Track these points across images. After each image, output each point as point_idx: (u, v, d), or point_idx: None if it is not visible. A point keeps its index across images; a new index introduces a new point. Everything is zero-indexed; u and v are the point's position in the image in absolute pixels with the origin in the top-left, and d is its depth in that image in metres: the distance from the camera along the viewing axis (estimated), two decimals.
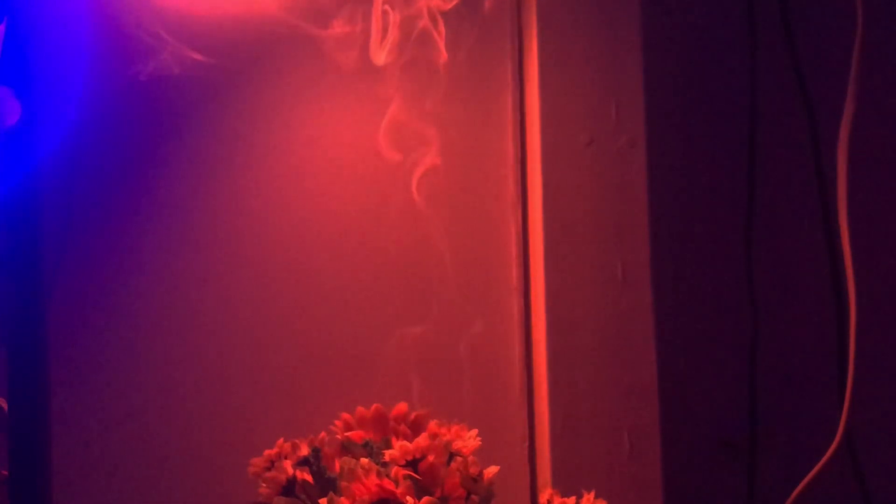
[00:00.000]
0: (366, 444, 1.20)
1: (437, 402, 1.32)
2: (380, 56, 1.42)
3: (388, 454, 1.15)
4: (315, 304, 1.43)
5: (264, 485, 1.19)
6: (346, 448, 1.21)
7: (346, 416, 1.24)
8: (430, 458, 1.14)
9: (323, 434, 1.23)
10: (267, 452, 1.21)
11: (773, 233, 1.55)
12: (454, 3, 1.42)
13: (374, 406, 1.23)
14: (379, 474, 1.13)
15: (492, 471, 1.17)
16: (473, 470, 1.15)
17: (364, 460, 1.14)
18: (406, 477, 1.12)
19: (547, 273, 1.43)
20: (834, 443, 1.39)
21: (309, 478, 1.20)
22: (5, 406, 1.25)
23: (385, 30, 1.42)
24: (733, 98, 1.55)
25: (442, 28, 1.43)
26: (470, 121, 1.46)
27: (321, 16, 1.42)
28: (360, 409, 1.23)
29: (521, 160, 1.47)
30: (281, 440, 1.21)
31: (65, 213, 1.36)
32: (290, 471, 1.19)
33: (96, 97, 1.37)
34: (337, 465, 1.19)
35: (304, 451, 1.21)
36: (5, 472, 1.23)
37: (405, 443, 1.15)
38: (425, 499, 1.11)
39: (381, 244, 1.44)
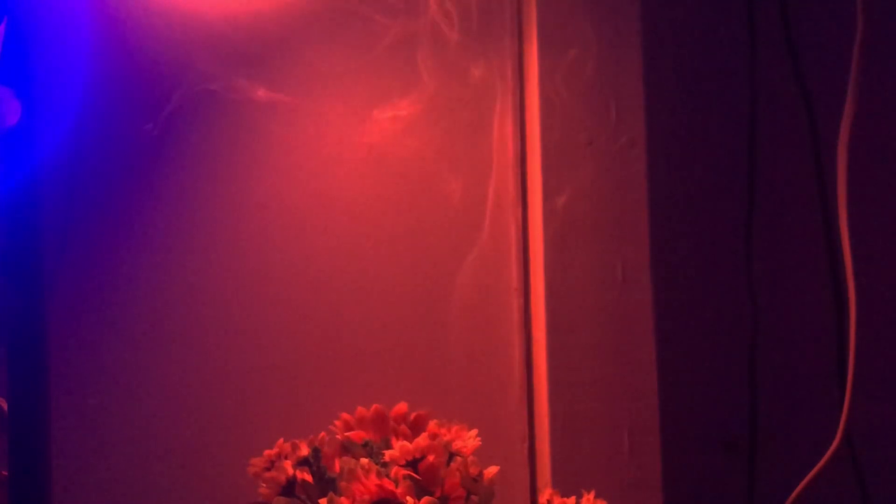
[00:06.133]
0: (366, 444, 1.20)
1: (437, 402, 1.32)
2: (381, 58, 1.42)
3: (388, 454, 1.15)
4: (315, 304, 1.43)
5: (264, 485, 1.20)
6: (346, 448, 1.21)
7: (346, 416, 1.24)
8: (430, 458, 1.14)
9: (323, 434, 1.23)
10: (267, 452, 1.21)
11: (773, 233, 1.55)
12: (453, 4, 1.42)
13: (374, 406, 1.23)
14: (379, 474, 1.13)
15: (492, 471, 1.17)
16: (473, 470, 1.15)
17: (364, 460, 1.14)
18: (406, 477, 1.12)
19: (547, 273, 1.43)
20: (834, 443, 1.39)
21: (309, 478, 1.20)
22: (5, 406, 1.25)
23: (386, 32, 1.42)
24: (733, 98, 1.54)
25: (442, 28, 1.43)
26: (470, 121, 1.46)
27: (315, 21, 1.42)
28: (360, 409, 1.23)
29: (521, 160, 1.47)
30: (281, 440, 1.21)
31: (65, 213, 1.36)
32: (290, 471, 1.19)
33: (96, 97, 1.37)
34: (337, 465, 1.19)
35: (304, 451, 1.21)
36: (5, 473, 1.23)
37: (405, 443, 1.14)
38: (425, 499, 1.11)
39: (381, 245, 1.44)
